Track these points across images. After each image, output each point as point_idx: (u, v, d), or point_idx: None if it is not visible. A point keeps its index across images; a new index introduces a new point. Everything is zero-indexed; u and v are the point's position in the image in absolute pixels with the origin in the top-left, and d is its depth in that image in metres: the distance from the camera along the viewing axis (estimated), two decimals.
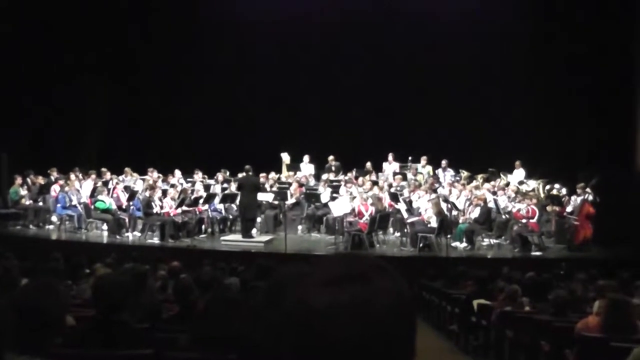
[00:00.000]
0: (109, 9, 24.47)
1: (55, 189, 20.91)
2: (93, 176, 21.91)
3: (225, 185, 21.69)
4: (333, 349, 1.30)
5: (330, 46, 25.39)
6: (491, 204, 19.53)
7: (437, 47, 24.65)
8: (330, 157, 23.37)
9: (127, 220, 19.98)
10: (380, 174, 23.00)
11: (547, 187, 21.10)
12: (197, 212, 19.96)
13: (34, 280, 5.74)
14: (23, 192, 20.89)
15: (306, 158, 23.39)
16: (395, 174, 22.67)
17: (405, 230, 19.24)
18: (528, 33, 23.71)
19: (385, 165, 23.43)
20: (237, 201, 19.53)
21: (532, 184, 21.44)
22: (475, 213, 18.99)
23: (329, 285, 1.35)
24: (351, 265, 1.40)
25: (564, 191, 20.67)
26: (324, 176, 22.29)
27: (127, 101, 25.23)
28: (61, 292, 3.88)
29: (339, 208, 18.92)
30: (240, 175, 20.38)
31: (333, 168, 23.15)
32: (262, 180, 20.95)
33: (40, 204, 21.06)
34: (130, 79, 25.20)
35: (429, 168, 23.05)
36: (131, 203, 19.96)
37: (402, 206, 19.42)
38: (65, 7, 23.08)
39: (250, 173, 19.37)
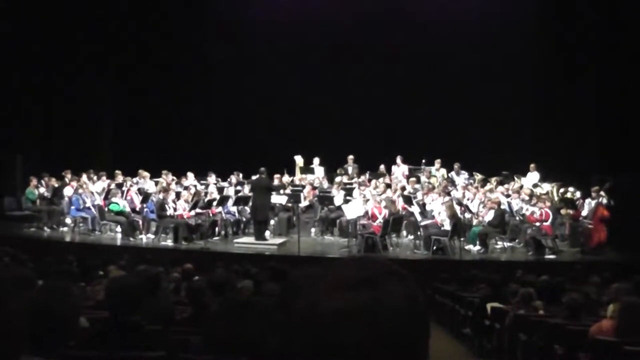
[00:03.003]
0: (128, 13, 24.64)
1: (69, 191, 20.98)
2: (104, 178, 21.98)
3: (238, 187, 21.72)
4: (344, 353, 1.30)
5: (342, 49, 25.38)
6: (505, 207, 19.49)
7: (451, 49, 24.69)
8: (350, 157, 23.41)
9: (140, 222, 20.03)
10: (392, 177, 22.98)
11: (561, 190, 21.03)
12: (211, 215, 19.98)
13: (48, 282, 5.75)
14: (38, 193, 20.97)
15: (316, 160, 23.37)
16: (405, 176, 22.69)
17: (419, 233, 19.20)
18: (543, 36, 23.70)
19: (394, 168, 23.41)
20: (250, 203, 19.58)
21: (546, 187, 21.37)
22: (489, 216, 18.94)
23: (341, 289, 1.35)
24: (363, 270, 1.40)
25: (578, 194, 20.61)
26: (338, 178, 22.26)
27: (141, 103, 25.32)
28: (74, 294, 3.89)
29: (352, 211, 18.89)
30: (253, 177, 20.40)
31: (350, 169, 23.14)
32: (276, 182, 20.99)
33: (55, 206, 21.11)
34: (146, 81, 25.22)
35: (443, 171, 23.02)
36: (145, 205, 20.01)
37: (415, 209, 19.39)
38: (76, 9, 23.19)
39: (264, 175, 19.35)
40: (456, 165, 22.92)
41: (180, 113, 25.41)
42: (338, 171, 23.11)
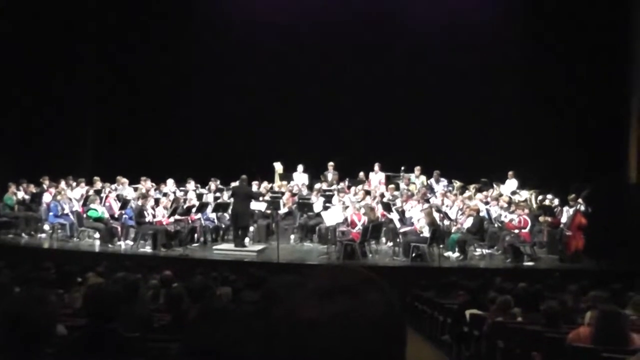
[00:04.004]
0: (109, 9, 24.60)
1: (47, 197, 20.86)
2: (82, 184, 21.88)
3: (217, 194, 21.69)
4: None
5: (324, 55, 25.38)
6: (484, 214, 19.57)
7: (431, 57, 24.72)
8: (330, 163, 23.41)
9: (119, 229, 19.93)
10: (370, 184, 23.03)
11: (540, 197, 21.14)
12: (190, 221, 19.93)
13: (25, 289, 5.72)
14: (16, 199, 20.82)
15: (300, 167, 23.37)
16: (383, 184, 22.76)
17: (398, 240, 19.24)
18: (522, 43, 23.85)
19: (371, 175, 23.43)
20: (230, 210, 19.54)
21: (525, 194, 21.48)
22: (468, 223, 19.01)
23: (318, 297, 1.35)
24: (340, 278, 1.41)
25: (556, 202, 20.72)
26: (317, 185, 22.27)
27: (120, 110, 25.19)
28: (52, 301, 3.88)
29: (331, 218, 18.92)
30: (233, 184, 20.35)
31: (330, 176, 23.15)
32: (254, 188, 20.99)
33: (32, 212, 20.97)
34: (125, 87, 25.11)
35: (423, 178, 23.06)
36: (123, 212, 19.94)
37: (394, 216, 19.42)
38: (64, 8, 23.05)
39: (245, 182, 19.33)
40: (436, 173, 22.95)
41: (159, 120, 25.28)
42: (322, 177, 23.12)
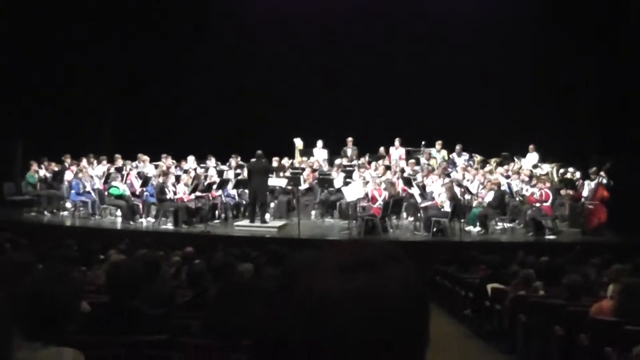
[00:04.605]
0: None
1: (68, 175, 20.97)
2: (104, 162, 21.97)
3: (238, 170, 21.70)
4: (344, 337, 1.29)
5: (344, 32, 25.27)
6: (505, 188, 19.49)
7: (452, 33, 24.57)
8: (349, 139, 23.36)
9: (140, 206, 20.04)
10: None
11: (561, 170, 21.05)
12: (211, 198, 19.99)
13: (48, 267, 5.74)
14: (38, 177, 20.96)
15: (319, 143, 23.37)
16: (402, 159, 22.70)
17: (419, 214, 19.21)
18: (544, 17, 23.64)
19: (391, 150, 23.37)
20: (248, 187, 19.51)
21: (546, 167, 21.39)
22: (489, 197, 18.95)
23: (339, 273, 1.34)
24: (362, 253, 1.39)
25: (577, 175, 20.61)
26: (337, 161, 22.28)
27: (141, 88, 25.27)
28: (75, 279, 3.90)
29: (352, 193, 18.89)
30: (251, 160, 20.38)
31: (349, 151, 23.12)
32: (275, 164, 21.01)
33: (54, 190, 21.10)
34: (146, 65, 25.12)
35: (444, 152, 23.01)
36: (145, 189, 20.01)
37: (415, 191, 19.37)
38: None
39: (263, 160, 19.29)
40: (458, 147, 22.86)
41: (180, 96, 25.32)
42: (342, 152, 23.10)
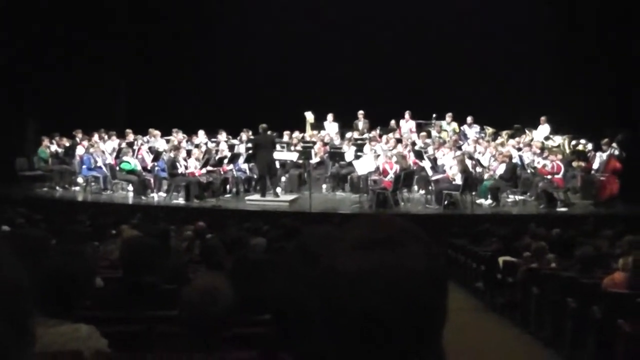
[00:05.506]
0: None
1: (80, 150, 21.01)
2: (114, 137, 21.99)
3: (249, 144, 21.68)
4: (363, 314, 1.29)
5: (356, 5, 25.17)
6: (516, 160, 19.42)
7: (462, 4, 24.42)
8: (360, 112, 23.28)
9: (152, 181, 20.07)
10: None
11: (573, 142, 20.96)
12: (222, 172, 20.01)
13: (62, 243, 5.76)
14: (50, 152, 21.03)
15: (330, 117, 23.29)
16: (413, 132, 22.64)
17: (430, 187, 19.17)
18: None
19: (402, 123, 23.28)
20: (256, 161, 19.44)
21: (558, 139, 21.31)
22: (501, 169, 18.88)
23: (358, 250, 1.34)
24: (380, 229, 1.38)
25: (589, 147, 20.52)
26: (348, 134, 22.23)
27: (151, 63, 25.26)
28: (89, 255, 3.91)
29: (363, 166, 18.88)
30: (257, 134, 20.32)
31: (360, 124, 23.06)
32: (285, 138, 21.00)
33: (66, 165, 21.16)
34: (156, 41, 25.15)
35: (454, 125, 22.92)
36: (156, 164, 20.02)
37: (426, 164, 19.33)
38: None
39: (269, 132, 19.24)
40: (469, 119, 22.77)
41: (190, 71, 25.31)
42: (353, 126, 23.05)
